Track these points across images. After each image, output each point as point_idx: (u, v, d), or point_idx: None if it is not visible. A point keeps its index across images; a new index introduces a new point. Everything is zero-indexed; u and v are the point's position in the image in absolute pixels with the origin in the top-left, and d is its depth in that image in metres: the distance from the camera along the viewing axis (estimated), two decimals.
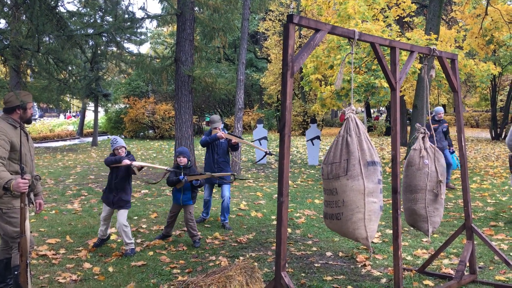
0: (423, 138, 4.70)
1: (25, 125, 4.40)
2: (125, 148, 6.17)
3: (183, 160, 6.36)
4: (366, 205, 3.74)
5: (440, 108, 10.37)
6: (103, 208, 6.19)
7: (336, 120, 43.81)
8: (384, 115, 51.40)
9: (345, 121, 3.85)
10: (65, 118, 47.68)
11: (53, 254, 5.81)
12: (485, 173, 13.03)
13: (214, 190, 8.08)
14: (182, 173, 6.26)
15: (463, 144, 5.04)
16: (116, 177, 6.04)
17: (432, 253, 5.57)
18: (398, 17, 16.63)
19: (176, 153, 6.51)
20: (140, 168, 6.07)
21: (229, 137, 7.20)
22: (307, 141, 15.42)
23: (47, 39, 5.91)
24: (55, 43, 5.38)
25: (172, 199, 6.59)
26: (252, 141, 15.20)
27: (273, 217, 7.89)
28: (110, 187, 6.10)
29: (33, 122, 32.07)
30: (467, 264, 4.93)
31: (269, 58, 33.88)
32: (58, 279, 4.96)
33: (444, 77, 12.72)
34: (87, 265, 5.43)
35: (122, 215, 5.97)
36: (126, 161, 5.86)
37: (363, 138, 3.81)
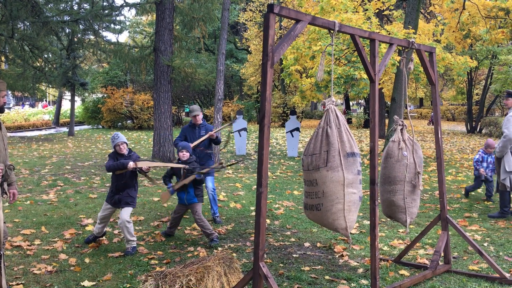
0: (401, 130, 4.74)
1: None
2: (127, 144, 5.80)
3: (185, 155, 6.04)
4: (346, 196, 3.77)
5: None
6: (103, 207, 5.85)
7: (316, 112, 44.03)
8: (362, 108, 51.88)
9: (325, 112, 3.86)
10: (30, 107, 46.41)
11: (28, 245, 5.70)
12: (460, 165, 13.28)
13: None
14: (173, 179, 6.08)
15: (439, 136, 5.12)
16: (122, 177, 5.68)
17: (408, 243, 5.66)
18: (377, 10, 16.72)
19: (178, 148, 6.24)
20: (148, 169, 5.77)
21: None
22: (286, 132, 15.46)
23: (21, 25, 5.76)
24: (30, 30, 5.24)
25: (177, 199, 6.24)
26: (231, 132, 15.15)
27: (252, 208, 7.90)
28: (116, 189, 5.73)
29: (7, 111, 31.35)
30: (442, 254, 5.03)
31: (249, 49, 33.78)
32: (33, 270, 4.88)
33: (421, 71, 12.92)
34: (62, 256, 5.35)
35: (126, 211, 5.64)
36: (131, 165, 5.53)
37: (343, 130, 3.83)
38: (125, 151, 5.75)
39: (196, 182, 5.98)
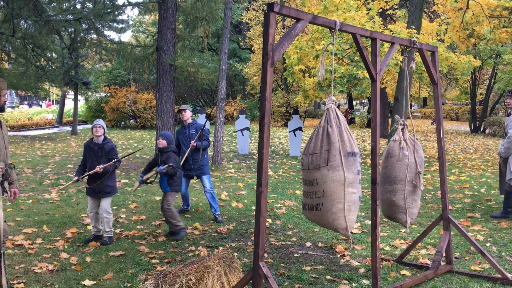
0: (402, 129, 4.72)
1: None
2: (104, 129, 5.95)
3: (161, 142, 6.20)
4: (346, 196, 3.75)
5: None
6: (88, 201, 6.02)
7: (319, 112, 43.95)
8: (366, 107, 51.76)
9: (326, 111, 3.84)
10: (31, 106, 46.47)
11: (30, 244, 5.71)
12: (463, 165, 13.23)
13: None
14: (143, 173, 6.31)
15: (441, 135, 5.09)
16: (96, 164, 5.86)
17: (410, 243, 5.64)
18: (381, 9, 16.68)
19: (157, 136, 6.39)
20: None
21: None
22: (289, 132, 15.44)
23: (24, 24, 5.77)
24: (32, 29, 5.25)
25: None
26: (234, 132, 15.14)
27: (254, 207, 7.88)
28: (93, 178, 5.89)
29: (11, 110, 31.45)
30: (444, 255, 5.00)
31: (252, 49, 33.75)
32: (34, 269, 4.89)
33: (425, 70, 12.87)
34: (64, 255, 5.36)
35: (107, 201, 5.94)
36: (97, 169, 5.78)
37: (344, 129, 3.81)
38: (99, 134, 5.89)
39: (168, 174, 6.12)
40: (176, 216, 6.16)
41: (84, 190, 9.01)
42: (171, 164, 6.03)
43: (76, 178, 5.93)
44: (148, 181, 6.30)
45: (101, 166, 5.79)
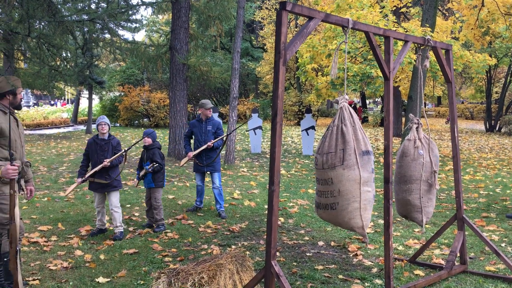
0: (417, 128, 4.69)
1: (15, 111, 4.35)
2: (109, 126, 6.13)
3: (147, 140, 6.49)
4: (362, 194, 3.74)
5: None
6: (93, 195, 6.19)
7: (332, 111, 43.76)
8: (379, 106, 51.41)
9: (339, 110, 3.83)
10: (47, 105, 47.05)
11: (45, 241, 5.79)
12: (478, 165, 13.08)
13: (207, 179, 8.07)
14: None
15: (455, 135, 5.04)
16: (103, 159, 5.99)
17: (424, 243, 5.59)
18: (394, 7, 16.55)
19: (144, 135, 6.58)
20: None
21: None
22: (302, 131, 15.40)
23: (38, 24, 5.84)
24: (46, 29, 5.31)
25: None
26: (246, 131, 15.15)
27: (266, 206, 7.87)
28: (100, 172, 6.00)
29: (26, 109, 31.86)
30: (458, 255, 4.95)
31: (265, 47, 33.71)
32: (49, 266, 4.95)
33: (439, 69, 12.75)
34: (78, 252, 5.42)
35: (115, 196, 6.09)
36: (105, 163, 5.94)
37: (358, 128, 3.80)
38: (105, 131, 6.05)
39: (154, 171, 6.43)
40: (162, 213, 6.56)
41: None
42: (157, 161, 6.42)
43: (80, 179, 6.03)
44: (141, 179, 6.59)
45: (108, 159, 5.93)
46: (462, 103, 46.97)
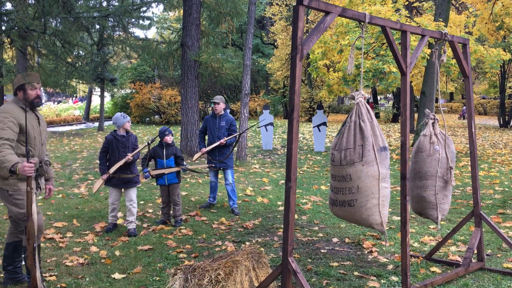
0: (433, 124, 4.63)
1: (37, 108, 4.32)
2: (130, 125, 6.26)
3: (170, 138, 6.54)
4: (380, 191, 3.71)
5: None
6: (110, 192, 6.20)
7: (343, 107, 43.57)
8: (390, 102, 51.06)
9: (356, 106, 3.79)
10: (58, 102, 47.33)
11: (60, 238, 5.83)
12: (493, 161, 12.93)
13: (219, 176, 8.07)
14: (147, 166, 6.45)
15: (473, 130, 4.98)
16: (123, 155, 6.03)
17: (440, 240, 5.54)
18: (407, 2, 16.38)
19: (160, 132, 6.59)
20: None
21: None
22: (313, 127, 15.35)
23: (53, 21, 5.87)
24: (61, 25, 5.33)
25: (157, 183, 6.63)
26: (258, 127, 15.13)
27: (279, 203, 7.87)
28: (120, 168, 6.01)
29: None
30: (475, 251, 4.90)
31: (275, 44, 33.61)
32: (65, 262, 4.98)
33: (453, 64, 12.61)
34: (94, 248, 5.45)
35: (134, 191, 6.16)
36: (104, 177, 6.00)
37: (375, 124, 3.77)
38: (128, 127, 6.19)
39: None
40: (180, 208, 6.61)
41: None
42: (181, 156, 6.61)
43: (105, 176, 6.01)
44: (155, 176, 6.52)
45: (130, 154, 5.98)
46: (484, 98, 46.35)
